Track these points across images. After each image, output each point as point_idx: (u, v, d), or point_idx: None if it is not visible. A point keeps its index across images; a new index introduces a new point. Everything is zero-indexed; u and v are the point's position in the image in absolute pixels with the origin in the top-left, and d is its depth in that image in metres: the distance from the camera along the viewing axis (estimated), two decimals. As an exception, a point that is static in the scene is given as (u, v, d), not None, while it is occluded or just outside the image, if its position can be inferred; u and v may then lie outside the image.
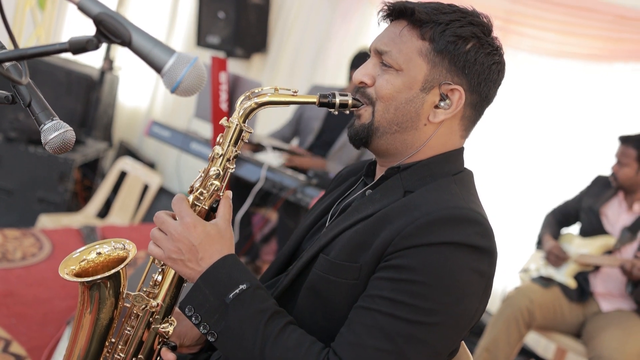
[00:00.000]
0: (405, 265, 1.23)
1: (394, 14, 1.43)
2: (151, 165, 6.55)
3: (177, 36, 6.70)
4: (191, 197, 1.38)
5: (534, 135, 4.77)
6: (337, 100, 1.41)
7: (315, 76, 5.76)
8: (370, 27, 5.61)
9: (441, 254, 1.23)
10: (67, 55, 4.78)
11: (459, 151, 1.47)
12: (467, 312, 1.28)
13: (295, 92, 1.41)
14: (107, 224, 5.22)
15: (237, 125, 1.37)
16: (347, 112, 1.47)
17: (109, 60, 6.12)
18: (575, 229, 3.98)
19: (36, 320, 3.32)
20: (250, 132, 1.41)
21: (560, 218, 3.97)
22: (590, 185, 3.90)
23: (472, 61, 1.37)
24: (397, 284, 1.23)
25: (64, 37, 6.54)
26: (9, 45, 1.44)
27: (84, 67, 5.95)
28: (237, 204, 3.66)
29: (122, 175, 5.63)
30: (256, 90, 1.40)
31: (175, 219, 1.34)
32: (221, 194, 1.39)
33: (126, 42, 1.01)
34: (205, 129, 4.82)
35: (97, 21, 0.99)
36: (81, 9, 1.00)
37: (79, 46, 1.01)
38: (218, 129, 3.64)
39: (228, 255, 1.33)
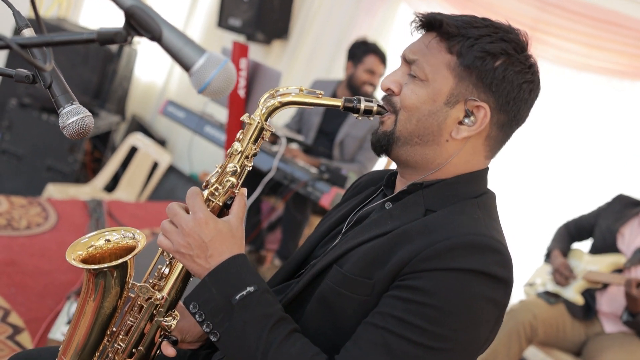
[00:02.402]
0: (421, 287, 1.21)
1: (425, 25, 1.40)
2: (162, 142, 6.52)
3: (198, 16, 6.65)
4: (206, 192, 1.36)
5: (549, 146, 4.73)
6: (362, 106, 1.39)
7: (333, 68, 5.72)
8: (393, 23, 5.57)
9: (458, 280, 1.20)
10: (88, 25, 4.70)
11: (484, 172, 1.44)
12: (478, 340, 1.26)
13: (321, 94, 1.38)
14: (113, 198, 5.21)
15: (258, 123, 1.35)
16: (371, 118, 1.44)
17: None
18: (584, 245, 3.94)
19: (36, 291, 3.31)
20: (272, 131, 1.38)
21: (573, 232, 3.92)
22: (611, 203, 3.84)
23: (500, 78, 1.32)
24: (410, 305, 1.21)
25: (85, 7, 6.52)
26: (23, 13, 1.42)
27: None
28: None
29: (133, 151, 5.61)
30: (280, 89, 1.37)
31: (188, 213, 1.32)
32: (236, 191, 1.37)
33: (156, 38, 0.98)
34: (220, 113, 4.79)
35: (129, 14, 0.96)
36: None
37: (107, 37, 0.98)
38: (234, 115, 3.61)
39: (238, 254, 1.30)
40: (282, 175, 3.73)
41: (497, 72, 1.32)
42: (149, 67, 6.96)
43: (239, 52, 3.44)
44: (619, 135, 4.51)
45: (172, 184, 5.69)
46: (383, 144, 1.41)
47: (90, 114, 1.36)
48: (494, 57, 1.31)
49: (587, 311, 3.60)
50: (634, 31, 4.27)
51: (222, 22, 5.92)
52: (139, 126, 6.53)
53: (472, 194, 1.39)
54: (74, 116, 1.33)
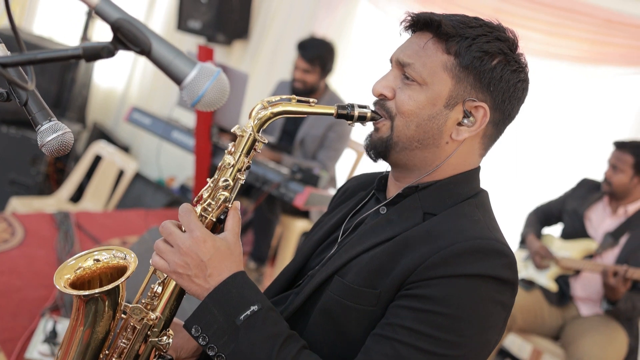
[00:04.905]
0: (429, 295, 1.20)
1: (418, 25, 1.37)
2: (125, 149, 6.42)
3: (156, 19, 6.56)
4: (199, 208, 1.31)
5: (515, 134, 4.76)
6: (356, 112, 1.36)
7: (295, 66, 5.69)
8: (353, 21, 5.55)
9: (466, 286, 1.20)
10: (43, 33, 4.56)
11: (477, 170, 1.43)
12: (488, 344, 1.26)
13: (314, 101, 1.35)
14: (80, 209, 5.10)
15: (250, 134, 1.31)
16: (364, 125, 1.41)
17: (86, 40, 5.96)
18: (555, 230, 3.98)
19: (8, 310, 3.22)
20: (265, 142, 1.34)
21: (542, 217, 3.97)
22: (576, 188, 3.89)
23: (497, 78, 1.32)
24: (419, 314, 1.20)
25: (39, 14, 6.38)
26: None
27: (60, 46, 5.79)
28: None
29: (97, 160, 5.50)
30: (272, 99, 1.34)
31: (182, 230, 1.28)
32: (229, 205, 1.32)
33: (145, 51, 0.94)
34: (187, 118, 4.73)
35: (115, 27, 0.92)
36: (98, 13, 0.93)
37: (93, 52, 0.94)
38: (202, 119, 3.57)
39: (238, 272, 1.27)
40: (254, 177, 3.69)
41: (495, 71, 1.31)
42: (109, 73, 6.84)
43: (205, 55, 3.39)
44: (583, 119, 4.57)
45: (140, 191, 5.59)
46: (380, 150, 1.39)
47: (69, 130, 1.31)
48: (491, 56, 1.31)
49: (561, 297, 3.64)
50: (595, 18, 4.32)
51: (182, 24, 5.84)
52: (101, 134, 6.41)
53: (468, 193, 1.38)
54: (54, 133, 1.29)
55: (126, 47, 0.95)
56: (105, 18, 0.93)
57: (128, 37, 0.93)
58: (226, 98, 0.98)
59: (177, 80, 0.97)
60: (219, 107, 0.98)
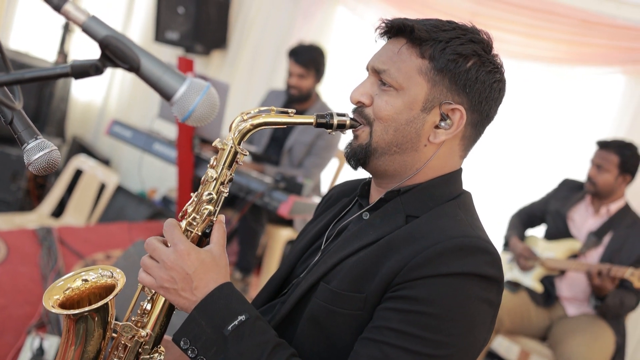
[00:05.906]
0: (415, 296, 1.20)
1: (392, 31, 1.38)
2: (106, 162, 6.38)
3: (133, 32, 6.53)
4: (184, 223, 1.32)
5: (495, 136, 4.80)
6: (335, 121, 1.37)
7: (275, 74, 5.68)
8: (331, 26, 5.56)
9: (451, 285, 1.20)
10: (19, 48, 4.52)
11: (458, 172, 1.44)
12: (477, 342, 1.26)
13: (292, 112, 1.35)
14: (62, 224, 5.06)
15: (231, 147, 1.31)
16: (344, 133, 1.42)
17: (63, 54, 5.93)
18: (539, 231, 4.01)
19: (-7, 329, 3.19)
20: (246, 155, 1.35)
21: (525, 219, 3.99)
22: (558, 188, 3.91)
23: (473, 79, 1.33)
24: (406, 316, 1.20)
25: (15, 29, 6.33)
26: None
27: (37, 60, 5.75)
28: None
29: (78, 174, 5.46)
30: (251, 111, 1.34)
31: (167, 245, 1.28)
32: (214, 218, 1.33)
33: (134, 68, 0.94)
34: (168, 130, 4.71)
35: (104, 45, 0.92)
36: (86, 31, 0.92)
37: (82, 70, 0.94)
38: (184, 130, 3.56)
39: (224, 284, 1.26)
40: (237, 187, 3.68)
41: (470, 73, 1.33)
42: (87, 87, 6.80)
43: (185, 67, 3.39)
44: (563, 120, 4.60)
45: (122, 204, 5.56)
46: (360, 157, 1.39)
47: (56, 147, 1.30)
48: (465, 58, 1.32)
49: (547, 298, 3.66)
50: (571, 19, 4.36)
51: (159, 36, 5.83)
52: (80, 147, 6.38)
53: (449, 195, 1.39)
54: (40, 151, 1.27)
55: (115, 65, 0.94)
56: (92, 35, 0.92)
57: (116, 54, 0.93)
58: (216, 112, 0.98)
59: (167, 96, 0.96)
60: (209, 121, 0.98)
